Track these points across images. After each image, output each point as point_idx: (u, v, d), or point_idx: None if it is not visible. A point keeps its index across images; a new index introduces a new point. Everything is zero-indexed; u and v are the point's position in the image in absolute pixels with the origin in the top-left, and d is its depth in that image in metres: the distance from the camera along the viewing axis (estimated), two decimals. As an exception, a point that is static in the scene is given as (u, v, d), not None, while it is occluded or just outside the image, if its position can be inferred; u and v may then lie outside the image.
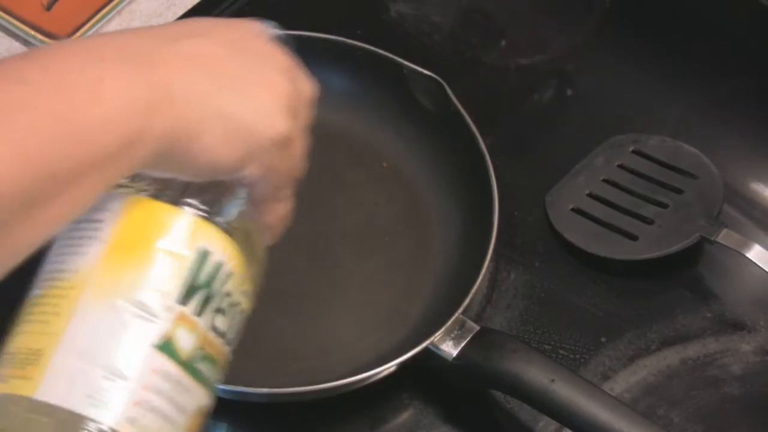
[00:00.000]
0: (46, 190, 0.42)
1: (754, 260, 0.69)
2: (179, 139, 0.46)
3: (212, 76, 0.49)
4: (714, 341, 0.70)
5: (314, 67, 0.75)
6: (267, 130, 0.50)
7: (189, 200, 0.48)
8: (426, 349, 0.63)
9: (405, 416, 0.66)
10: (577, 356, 0.68)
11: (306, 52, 0.75)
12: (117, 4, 0.82)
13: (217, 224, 0.47)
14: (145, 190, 0.47)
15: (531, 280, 0.71)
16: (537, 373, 0.60)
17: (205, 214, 0.47)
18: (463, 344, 0.63)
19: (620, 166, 0.76)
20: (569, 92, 0.83)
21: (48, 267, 0.45)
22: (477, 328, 0.64)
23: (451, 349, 0.63)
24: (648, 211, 0.73)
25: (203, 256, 0.46)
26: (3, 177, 0.40)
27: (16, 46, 0.81)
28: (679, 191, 0.74)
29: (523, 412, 0.65)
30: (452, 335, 0.63)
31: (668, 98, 0.82)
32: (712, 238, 0.70)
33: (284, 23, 0.76)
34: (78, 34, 0.80)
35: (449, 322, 0.63)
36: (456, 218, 0.72)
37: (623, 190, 0.75)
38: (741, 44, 0.85)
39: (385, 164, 0.75)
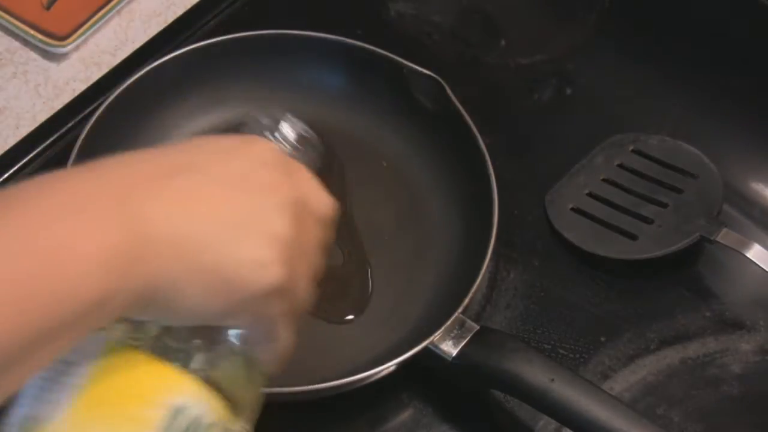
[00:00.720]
0: (15, 354, 0.40)
1: (754, 260, 0.69)
2: (158, 293, 0.44)
3: (203, 223, 0.46)
4: (714, 341, 0.70)
5: (314, 67, 0.76)
6: (257, 282, 0.47)
7: (168, 344, 0.46)
8: (426, 348, 0.62)
9: (405, 416, 0.66)
10: (577, 356, 0.68)
11: (306, 52, 0.76)
12: (117, 4, 0.82)
13: (195, 373, 0.46)
14: (128, 336, 0.46)
15: (531, 279, 0.71)
16: (537, 373, 0.60)
17: (182, 364, 0.46)
18: (462, 344, 0.63)
19: (620, 166, 0.76)
20: (569, 92, 0.83)
21: (20, 411, 0.44)
22: (477, 327, 0.64)
23: (450, 348, 0.63)
24: (648, 210, 0.73)
25: (177, 412, 0.44)
26: None
27: (16, 46, 0.81)
28: (679, 191, 0.74)
29: (523, 411, 0.65)
30: (452, 335, 0.63)
31: (668, 98, 0.81)
32: (712, 238, 0.70)
33: (284, 23, 0.77)
34: (78, 33, 0.80)
35: (449, 322, 0.63)
36: (456, 218, 0.72)
37: (623, 189, 0.75)
38: (741, 44, 0.85)
39: (384, 164, 0.75)
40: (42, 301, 0.40)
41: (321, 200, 0.53)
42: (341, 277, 0.70)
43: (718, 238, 0.70)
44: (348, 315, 0.69)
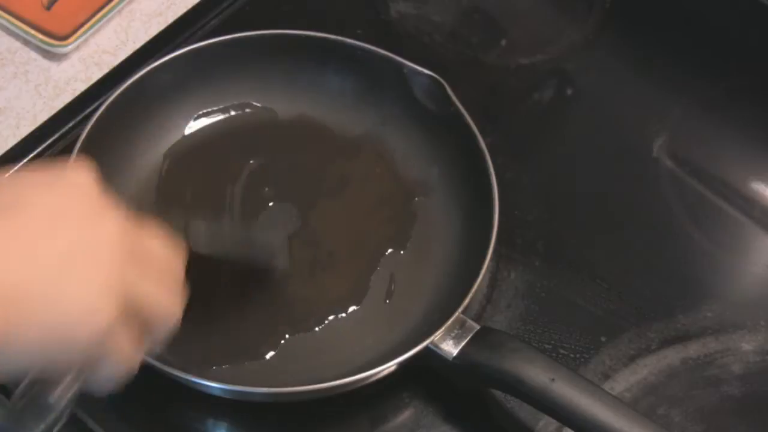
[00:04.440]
0: None
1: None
2: None
3: (25, 266, 0.44)
4: (714, 341, 0.70)
5: (314, 67, 0.76)
6: (87, 323, 0.45)
7: None
8: (426, 348, 0.62)
9: (405, 415, 0.66)
10: (578, 355, 0.68)
11: (306, 52, 0.76)
12: (117, 4, 0.82)
13: None
14: None
15: (531, 279, 0.71)
16: (537, 373, 0.60)
17: None
18: (463, 343, 0.63)
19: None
20: (569, 92, 0.83)
21: None
22: (477, 327, 0.64)
23: (451, 348, 0.63)
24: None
25: None
26: None
27: (17, 46, 0.81)
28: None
29: (523, 411, 0.65)
30: (452, 334, 0.63)
31: (668, 98, 0.82)
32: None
33: (284, 23, 0.77)
34: (78, 33, 0.80)
35: (449, 322, 0.63)
36: (456, 218, 0.72)
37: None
38: (741, 44, 0.85)
39: (384, 164, 0.75)
40: None
41: (152, 241, 0.51)
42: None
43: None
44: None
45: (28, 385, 0.48)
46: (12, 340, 0.44)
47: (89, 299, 0.46)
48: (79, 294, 0.45)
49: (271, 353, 0.66)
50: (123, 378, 0.50)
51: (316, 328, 0.67)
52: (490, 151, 0.70)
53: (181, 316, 0.53)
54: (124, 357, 0.49)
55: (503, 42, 0.85)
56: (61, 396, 0.49)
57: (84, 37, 0.80)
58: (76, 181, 0.49)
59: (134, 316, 0.49)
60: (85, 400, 0.64)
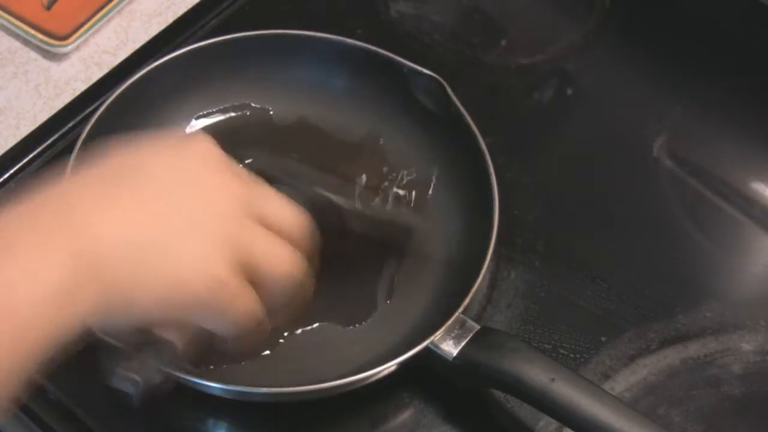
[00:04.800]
0: None
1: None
2: (111, 304, 0.45)
3: (147, 229, 0.47)
4: (714, 341, 0.70)
5: (314, 67, 0.76)
6: (200, 280, 0.48)
7: None
8: (426, 348, 0.62)
9: (405, 415, 0.66)
10: (578, 356, 0.68)
11: (306, 52, 0.76)
12: (117, 4, 0.82)
13: None
14: None
15: (531, 279, 0.71)
16: (537, 373, 0.60)
17: None
18: (463, 343, 0.63)
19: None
20: (569, 92, 0.83)
21: None
22: (477, 327, 0.64)
23: (451, 348, 0.63)
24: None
25: None
26: None
27: (17, 46, 0.81)
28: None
29: (523, 411, 0.65)
30: (452, 334, 0.63)
31: (668, 98, 0.82)
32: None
33: (284, 23, 0.77)
34: (78, 33, 0.80)
35: (449, 322, 0.63)
36: (456, 218, 0.72)
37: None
38: (741, 44, 0.85)
39: (384, 163, 0.75)
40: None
41: (278, 207, 0.53)
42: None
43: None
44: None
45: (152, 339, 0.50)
46: (138, 297, 0.46)
47: (204, 257, 0.48)
48: (193, 253, 0.48)
49: (271, 353, 0.66)
50: (249, 335, 0.52)
51: (316, 328, 0.67)
52: (490, 151, 0.70)
53: (308, 284, 0.56)
54: (244, 313, 0.51)
55: (503, 42, 0.85)
56: (185, 348, 0.51)
57: (84, 37, 0.80)
58: (198, 145, 0.52)
59: (255, 275, 0.51)
60: (84, 400, 0.64)
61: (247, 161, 0.74)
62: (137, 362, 0.50)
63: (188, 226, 0.48)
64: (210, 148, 0.52)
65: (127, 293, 0.46)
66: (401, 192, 0.74)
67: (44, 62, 0.80)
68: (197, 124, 0.76)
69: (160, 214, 0.48)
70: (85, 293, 0.44)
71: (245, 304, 0.51)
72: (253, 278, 0.51)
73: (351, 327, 0.68)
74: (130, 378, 0.50)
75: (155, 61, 0.73)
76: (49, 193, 0.47)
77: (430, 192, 0.74)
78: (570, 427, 0.60)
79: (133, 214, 0.47)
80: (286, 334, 0.67)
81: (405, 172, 0.74)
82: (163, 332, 0.51)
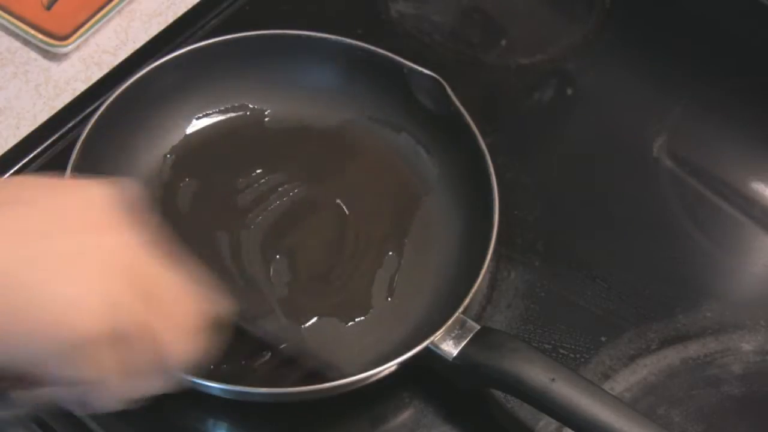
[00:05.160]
0: None
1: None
2: None
3: (26, 258, 0.42)
4: (714, 341, 0.70)
5: (314, 67, 0.76)
6: (80, 325, 0.42)
7: None
8: (426, 348, 0.62)
9: (405, 415, 0.66)
10: (578, 356, 0.68)
11: (306, 52, 0.76)
12: (117, 4, 0.82)
13: None
14: None
15: (531, 279, 0.71)
16: (537, 373, 0.60)
17: None
18: (463, 344, 0.63)
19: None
20: (569, 92, 0.83)
21: None
22: (477, 327, 0.64)
23: (451, 348, 0.63)
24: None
25: None
26: None
27: (16, 46, 0.81)
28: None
29: (523, 411, 0.65)
30: (452, 335, 0.63)
31: (668, 98, 0.82)
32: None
33: (284, 23, 0.77)
34: (78, 33, 0.80)
35: (449, 322, 0.63)
36: (456, 218, 0.72)
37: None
38: (741, 44, 0.85)
39: (384, 164, 0.75)
40: None
41: (155, 266, 0.47)
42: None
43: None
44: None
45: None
46: (5, 328, 0.42)
47: (79, 300, 0.43)
48: (71, 293, 0.43)
49: (269, 354, 0.66)
50: (101, 405, 0.47)
51: (316, 328, 0.67)
52: (490, 151, 0.70)
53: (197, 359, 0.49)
54: (108, 383, 0.46)
55: (503, 42, 0.85)
56: (25, 396, 0.46)
57: (84, 37, 0.80)
58: (94, 193, 0.47)
59: (126, 345, 0.45)
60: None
61: (248, 160, 0.74)
62: None
63: (68, 265, 0.43)
64: (109, 197, 0.47)
65: None
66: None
67: (44, 62, 0.80)
68: (197, 124, 0.76)
69: (37, 245, 0.43)
70: None
71: (108, 375, 0.45)
72: (124, 349, 0.45)
73: (351, 327, 0.68)
74: None
75: (155, 61, 0.73)
76: None
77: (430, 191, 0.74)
78: (570, 427, 0.60)
79: (17, 241, 0.42)
80: (288, 336, 0.67)
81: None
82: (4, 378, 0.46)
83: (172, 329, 0.47)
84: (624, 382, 0.67)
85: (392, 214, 0.73)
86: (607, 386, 0.66)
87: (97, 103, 0.74)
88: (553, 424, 0.64)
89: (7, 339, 0.42)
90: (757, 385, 0.68)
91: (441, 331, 0.63)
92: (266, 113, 0.77)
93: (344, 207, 0.73)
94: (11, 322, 0.42)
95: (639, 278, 0.72)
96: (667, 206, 0.76)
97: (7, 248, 0.42)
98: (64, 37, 0.79)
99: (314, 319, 0.68)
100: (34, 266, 0.42)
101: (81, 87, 0.79)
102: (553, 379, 0.60)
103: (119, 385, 0.46)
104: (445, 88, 0.72)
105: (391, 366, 0.62)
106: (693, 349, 0.69)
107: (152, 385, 0.48)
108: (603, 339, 0.69)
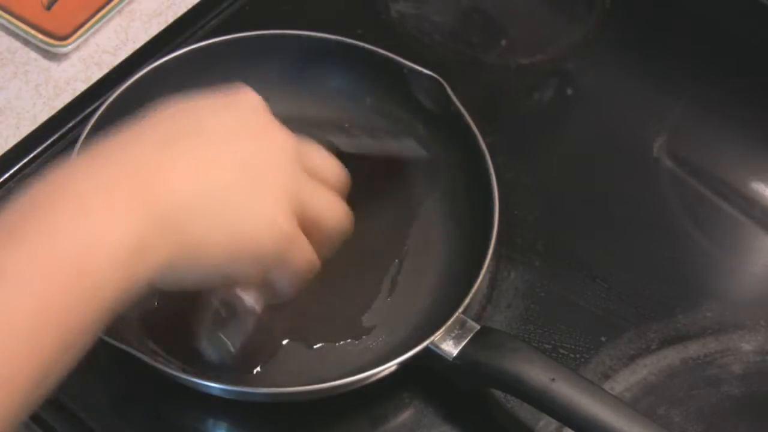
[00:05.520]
0: (56, 358, 0.42)
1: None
2: (181, 258, 0.46)
3: (211, 182, 0.48)
4: (714, 341, 0.70)
5: (314, 67, 0.76)
6: (269, 234, 0.50)
7: None
8: (426, 348, 0.62)
9: (405, 415, 0.66)
10: (578, 355, 0.68)
11: (306, 52, 0.76)
12: (117, 4, 0.82)
13: None
14: None
15: (531, 279, 0.71)
16: (537, 372, 0.60)
17: None
18: (463, 343, 0.63)
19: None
20: (569, 92, 0.83)
21: None
22: (477, 327, 0.64)
23: (451, 348, 0.63)
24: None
25: None
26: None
27: (17, 46, 0.81)
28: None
29: (524, 411, 0.65)
30: (452, 334, 0.63)
31: (668, 98, 0.82)
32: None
33: (284, 23, 0.77)
34: (78, 33, 0.80)
35: (449, 322, 0.63)
36: (456, 218, 0.72)
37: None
38: (741, 44, 0.85)
39: (384, 163, 0.75)
40: (74, 307, 0.42)
41: (316, 155, 0.56)
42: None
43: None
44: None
45: (224, 296, 0.52)
46: (204, 253, 0.47)
47: (268, 208, 0.50)
48: (259, 204, 0.49)
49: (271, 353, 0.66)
50: (304, 282, 0.55)
51: (316, 328, 0.67)
52: (490, 151, 0.70)
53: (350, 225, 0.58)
54: (304, 262, 0.53)
55: (503, 42, 0.85)
56: (256, 300, 0.53)
57: (84, 37, 0.80)
58: (247, 101, 0.53)
59: (310, 224, 0.53)
60: (84, 399, 0.64)
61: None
62: (220, 326, 0.52)
63: (251, 178, 0.50)
64: (258, 102, 0.54)
65: (195, 246, 0.47)
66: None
67: (44, 62, 0.80)
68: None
69: (222, 167, 0.49)
70: (156, 249, 0.45)
71: (305, 254, 0.54)
72: (307, 226, 0.53)
73: (351, 326, 0.68)
74: (219, 342, 0.53)
75: (155, 61, 0.73)
76: (111, 149, 0.48)
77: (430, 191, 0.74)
78: (570, 427, 0.60)
79: (198, 168, 0.48)
80: (288, 336, 0.67)
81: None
82: (229, 288, 0.53)
83: (329, 195, 0.55)
84: (624, 382, 0.67)
85: (392, 214, 0.73)
86: (607, 386, 0.66)
87: (97, 103, 0.74)
88: (553, 424, 0.64)
89: (216, 255, 0.48)
90: (757, 385, 0.68)
91: (441, 331, 0.63)
92: (266, 113, 0.77)
93: (344, 207, 0.73)
94: (217, 241, 0.47)
95: (639, 278, 0.72)
96: (667, 206, 0.76)
97: (197, 181, 0.48)
98: (64, 37, 0.79)
99: (314, 319, 0.68)
100: (220, 194, 0.48)
101: (81, 87, 0.79)
102: (553, 379, 0.60)
103: (304, 267, 0.54)
104: (445, 88, 0.72)
105: (391, 366, 0.62)
106: (693, 349, 0.69)
107: (325, 250, 0.56)
108: (603, 339, 0.69)
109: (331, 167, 0.57)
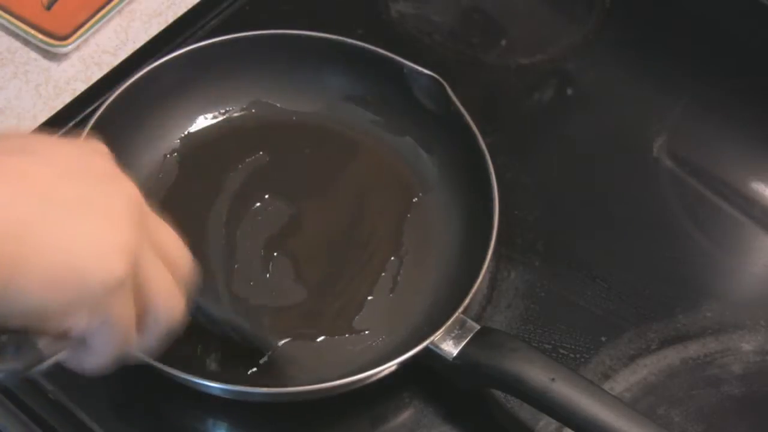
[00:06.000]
0: None
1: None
2: None
3: (37, 204, 0.41)
4: (714, 341, 0.70)
5: (314, 67, 0.76)
6: (98, 272, 0.42)
7: None
8: (426, 348, 0.62)
9: (405, 415, 0.66)
10: (578, 355, 0.68)
11: (306, 52, 0.76)
12: (117, 4, 0.82)
13: None
14: None
15: (531, 279, 0.71)
16: (537, 373, 0.60)
17: None
18: (463, 343, 0.63)
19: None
20: (569, 92, 0.83)
21: None
22: (477, 327, 0.64)
23: (451, 348, 0.63)
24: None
25: None
26: None
27: (17, 45, 0.81)
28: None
29: (523, 411, 0.65)
30: (452, 334, 0.63)
31: (668, 98, 0.82)
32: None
33: (284, 23, 0.77)
34: (78, 33, 0.80)
35: (449, 322, 0.63)
36: (456, 218, 0.72)
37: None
38: (741, 44, 0.85)
39: (384, 164, 0.75)
40: None
41: (169, 236, 0.48)
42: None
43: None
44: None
45: (21, 327, 0.44)
46: (16, 280, 0.41)
47: (102, 248, 0.43)
48: (92, 240, 0.42)
49: (271, 353, 0.66)
50: (113, 358, 0.47)
51: (316, 328, 0.67)
52: (490, 151, 0.70)
53: (183, 320, 0.50)
54: (124, 325, 0.45)
55: (503, 42, 0.85)
56: (51, 345, 0.45)
57: (84, 37, 0.80)
58: (94, 146, 0.47)
59: (138, 302, 0.46)
60: (84, 399, 0.64)
61: (248, 159, 0.74)
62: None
63: (88, 212, 0.43)
64: (107, 151, 0.47)
65: (8, 272, 0.40)
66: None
67: (44, 62, 0.80)
68: (197, 124, 0.76)
69: (57, 193, 0.42)
70: None
71: (129, 320, 0.46)
72: (135, 297, 0.46)
73: (351, 327, 0.68)
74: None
75: (155, 61, 0.73)
76: None
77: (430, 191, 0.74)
78: (570, 427, 0.60)
79: (26, 189, 0.41)
80: (288, 336, 0.67)
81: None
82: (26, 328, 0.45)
83: (171, 280, 0.47)
84: (624, 382, 0.67)
85: (392, 213, 0.73)
86: (607, 386, 0.66)
87: (97, 103, 0.74)
88: (553, 424, 0.64)
89: (29, 288, 0.41)
90: (757, 385, 0.68)
91: (441, 331, 0.63)
92: (266, 113, 0.77)
93: (344, 207, 0.73)
94: (33, 270, 0.41)
95: (639, 278, 0.72)
96: (667, 206, 0.76)
97: (17, 197, 0.41)
98: (64, 37, 0.79)
99: (314, 319, 0.68)
100: (46, 214, 0.42)
101: (81, 87, 0.79)
102: (553, 379, 0.60)
103: (119, 337, 0.46)
104: (445, 88, 0.72)
105: (391, 366, 0.62)
106: (693, 349, 0.69)
107: (146, 340, 0.48)
108: (603, 339, 0.69)
109: (178, 250, 0.49)
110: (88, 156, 0.46)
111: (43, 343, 0.45)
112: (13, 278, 0.41)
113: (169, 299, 0.48)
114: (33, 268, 0.41)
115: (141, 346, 0.49)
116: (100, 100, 0.73)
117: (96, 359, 0.47)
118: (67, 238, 0.42)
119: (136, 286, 0.45)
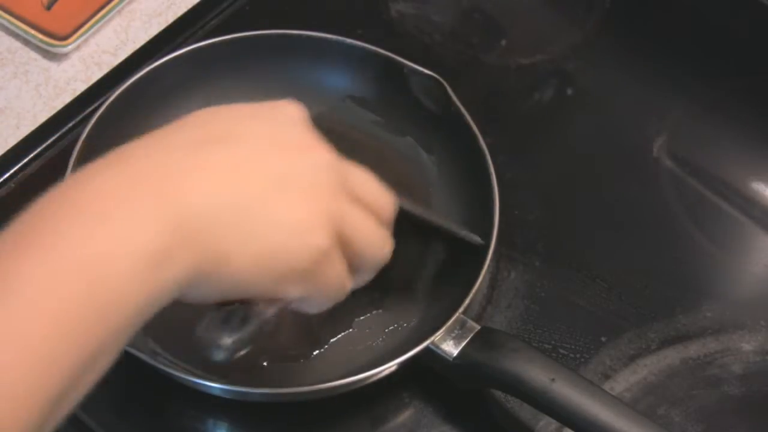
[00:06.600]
0: (76, 376, 0.39)
1: None
2: (206, 271, 0.43)
3: (243, 191, 0.45)
4: (714, 341, 0.70)
5: (314, 67, 0.76)
6: (303, 248, 0.46)
7: None
8: (426, 348, 0.62)
9: (405, 415, 0.66)
10: (578, 356, 0.68)
11: (306, 52, 0.76)
12: (117, 4, 0.82)
13: None
14: None
15: (531, 279, 0.71)
16: (537, 373, 0.60)
17: None
18: (463, 344, 0.63)
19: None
20: (569, 92, 0.83)
21: None
22: (477, 327, 0.64)
23: (451, 348, 0.63)
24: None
25: None
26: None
27: (17, 46, 0.81)
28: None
29: (524, 411, 0.65)
30: (453, 335, 0.63)
31: (668, 98, 0.82)
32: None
33: (284, 23, 0.77)
34: (78, 33, 0.80)
35: (450, 322, 0.63)
36: (456, 218, 0.72)
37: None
38: (741, 44, 0.85)
39: (385, 164, 0.75)
40: (93, 321, 0.39)
41: (367, 183, 0.52)
42: None
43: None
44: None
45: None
46: (230, 263, 0.44)
47: (303, 222, 0.46)
48: (294, 219, 0.46)
49: (272, 353, 0.66)
50: (330, 303, 0.52)
51: (315, 328, 0.67)
52: (490, 151, 0.70)
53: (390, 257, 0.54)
54: (336, 283, 0.50)
55: (503, 42, 0.85)
56: (270, 305, 0.49)
57: (84, 37, 0.80)
58: (287, 113, 0.50)
59: (348, 250, 0.50)
60: (84, 399, 0.64)
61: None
62: (223, 326, 0.49)
63: (285, 190, 0.46)
64: (300, 115, 0.51)
65: (222, 258, 0.43)
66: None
67: (44, 62, 0.80)
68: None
69: (255, 177, 0.45)
70: (179, 259, 0.42)
71: (339, 275, 0.50)
72: (345, 252, 0.50)
73: (351, 327, 0.68)
74: (221, 344, 0.49)
75: (155, 61, 0.73)
76: (135, 155, 0.44)
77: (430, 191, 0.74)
78: (570, 427, 0.60)
79: (227, 177, 0.44)
80: (288, 336, 0.67)
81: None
82: (251, 301, 0.49)
83: (374, 221, 0.51)
84: (624, 382, 0.67)
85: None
86: (607, 386, 0.66)
87: (97, 103, 0.74)
88: (553, 424, 0.64)
89: (242, 269, 0.44)
90: (757, 385, 0.68)
91: (441, 331, 0.63)
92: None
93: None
94: (244, 252, 0.44)
95: (639, 278, 0.72)
96: (667, 206, 0.76)
97: (231, 186, 0.44)
98: (64, 37, 0.79)
99: (314, 318, 0.68)
100: (251, 202, 0.45)
101: (81, 87, 0.79)
102: (553, 379, 0.60)
103: (333, 293, 0.51)
104: (445, 88, 0.72)
105: (391, 366, 0.62)
106: (693, 349, 0.69)
107: (360, 279, 0.53)
108: (603, 339, 0.69)
109: (377, 194, 0.53)
110: (283, 129, 0.49)
111: (261, 308, 0.49)
112: (226, 264, 0.44)
113: (376, 241, 0.52)
114: (242, 255, 0.44)
115: (356, 285, 0.54)
116: (100, 100, 0.73)
117: (315, 309, 0.51)
118: (272, 222, 0.45)
119: (342, 241, 0.49)
